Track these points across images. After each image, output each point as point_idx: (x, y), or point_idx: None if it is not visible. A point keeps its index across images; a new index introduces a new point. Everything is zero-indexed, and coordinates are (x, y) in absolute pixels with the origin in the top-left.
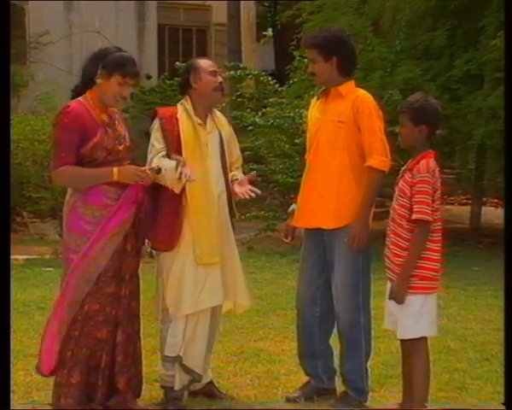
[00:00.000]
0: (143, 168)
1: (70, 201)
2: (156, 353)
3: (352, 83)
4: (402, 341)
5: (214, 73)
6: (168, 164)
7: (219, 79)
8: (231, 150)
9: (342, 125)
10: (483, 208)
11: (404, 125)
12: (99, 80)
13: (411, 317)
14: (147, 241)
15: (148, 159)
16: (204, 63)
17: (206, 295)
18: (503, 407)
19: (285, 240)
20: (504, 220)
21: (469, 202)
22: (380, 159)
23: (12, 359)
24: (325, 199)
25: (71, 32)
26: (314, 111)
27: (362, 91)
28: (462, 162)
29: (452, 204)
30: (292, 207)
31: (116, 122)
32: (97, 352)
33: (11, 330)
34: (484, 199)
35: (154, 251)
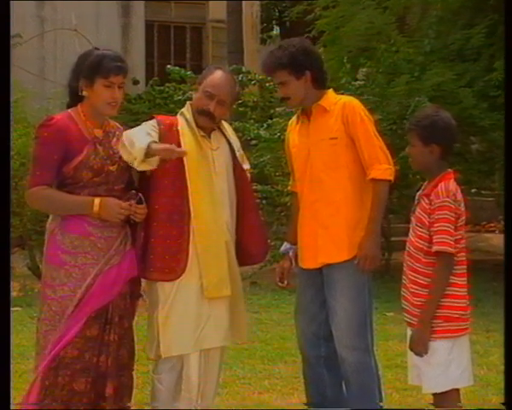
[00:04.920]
0: (127, 204)
1: (50, 227)
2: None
3: (330, 92)
4: (433, 394)
5: (210, 97)
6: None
7: (212, 105)
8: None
9: (335, 141)
10: None
11: (414, 145)
12: (84, 92)
13: (438, 366)
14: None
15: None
16: (210, 79)
17: (210, 332)
18: (503, 407)
19: (280, 284)
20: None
21: None
22: (382, 168)
23: None
24: (331, 229)
25: (43, 30)
26: (295, 135)
27: (346, 98)
28: (503, 182)
29: (492, 232)
30: (284, 246)
31: (114, 139)
32: (73, 407)
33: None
34: None
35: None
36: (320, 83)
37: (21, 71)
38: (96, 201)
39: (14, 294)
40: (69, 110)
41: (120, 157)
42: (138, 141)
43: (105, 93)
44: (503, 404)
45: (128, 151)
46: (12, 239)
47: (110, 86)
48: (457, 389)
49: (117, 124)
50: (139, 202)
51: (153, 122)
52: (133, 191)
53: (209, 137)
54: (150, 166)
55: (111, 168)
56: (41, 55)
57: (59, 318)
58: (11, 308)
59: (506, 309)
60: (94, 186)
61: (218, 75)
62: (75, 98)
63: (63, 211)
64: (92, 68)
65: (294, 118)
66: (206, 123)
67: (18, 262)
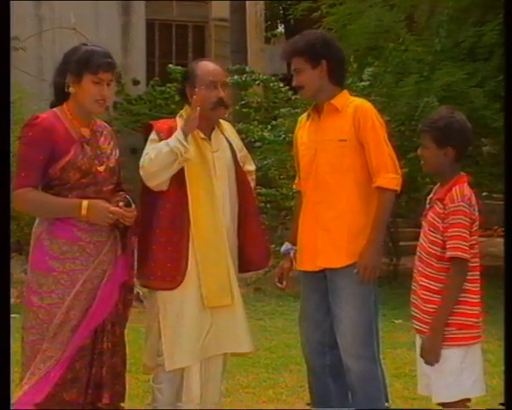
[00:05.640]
0: (116, 209)
1: (36, 231)
2: None
3: (345, 93)
4: (442, 404)
5: (213, 85)
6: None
7: (219, 92)
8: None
9: (344, 143)
10: None
11: (427, 147)
12: (71, 89)
13: (449, 375)
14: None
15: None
16: (202, 71)
17: (212, 341)
18: (502, 407)
19: (279, 285)
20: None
21: None
22: (389, 177)
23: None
24: (332, 233)
25: (41, 29)
26: (304, 132)
27: (359, 100)
28: None
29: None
30: (285, 246)
31: (101, 139)
32: None
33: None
34: None
35: (141, 292)
36: (336, 77)
37: (19, 71)
38: (84, 203)
39: (11, 300)
40: (55, 109)
41: (108, 157)
42: (165, 147)
43: (93, 90)
44: (502, 404)
45: (166, 162)
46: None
47: (99, 83)
48: (468, 399)
49: (104, 123)
50: (128, 204)
51: (152, 137)
52: (121, 193)
53: (209, 138)
54: (190, 155)
55: (99, 169)
56: (39, 55)
57: (47, 326)
58: (11, 315)
59: (506, 309)
60: (82, 188)
61: (205, 64)
62: (61, 96)
63: (50, 214)
64: (80, 64)
65: (305, 115)
66: (223, 112)
67: (15, 268)
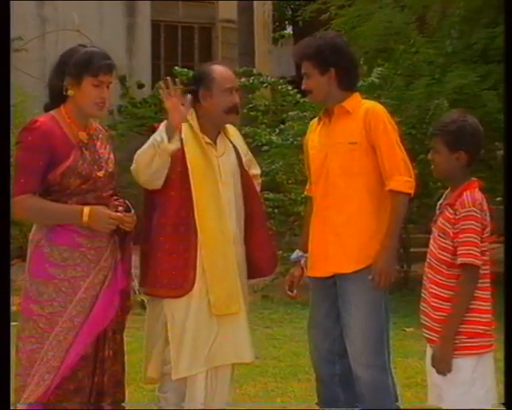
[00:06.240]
0: (118, 215)
1: (34, 238)
2: None
3: (357, 96)
4: None
5: (230, 91)
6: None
7: (235, 98)
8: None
9: (355, 146)
10: None
11: (438, 152)
12: (70, 92)
13: (461, 385)
14: (137, 286)
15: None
16: (220, 76)
17: (219, 350)
18: (502, 407)
19: (289, 294)
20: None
21: None
22: (402, 179)
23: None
24: (342, 238)
25: (44, 31)
26: (315, 136)
27: (371, 103)
28: None
29: None
30: (296, 253)
31: (98, 143)
32: None
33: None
34: None
35: (146, 300)
36: (346, 84)
37: (21, 74)
38: (86, 210)
39: (13, 308)
40: (51, 112)
41: (106, 162)
42: (149, 142)
43: (93, 92)
44: (503, 404)
45: (147, 156)
46: (11, 250)
47: (99, 85)
48: None
49: (99, 126)
50: (127, 209)
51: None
52: (121, 199)
53: (214, 143)
54: (176, 145)
55: (98, 174)
56: (42, 57)
57: (48, 335)
58: (11, 323)
59: (506, 309)
60: (82, 194)
61: (221, 68)
62: (57, 99)
63: (50, 221)
64: (80, 66)
65: (316, 119)
66: (235, 119)
67: (18, 275)
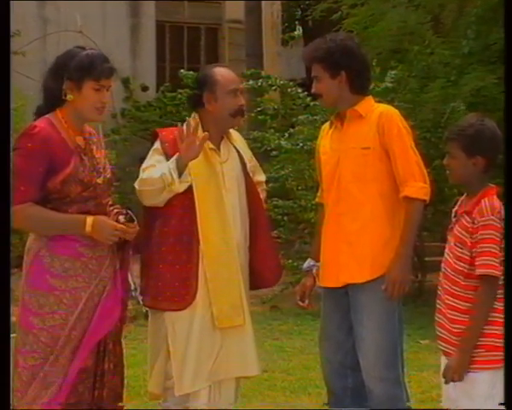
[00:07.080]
0: (122, 226)
1: (33, 248)
2: None
3: (370, 99)
4: None
5: (235, 93)
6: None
7: (240, 100)
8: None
9: (368, 151)
10: None
11: (455, 157)
12: (69, 96)
13: (479, 401)
14: (141, 297)
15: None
16: (223, 78)
17: (223, 363)
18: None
19: (300, 304)
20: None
21: None
22: (417, 186)
23: None
24: (355, 246)
25: (46, 32)
26: (327, 142)
27: (384, 107)
28: None
29: None
30: (308, 262)
31: (94, 147)
32: None
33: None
34: None
35: (149, 310)
36: (358, 87)
37: (21, 76)
38: (89, 220)
39: (13, 318)
40: (48, 116)
41: (104, 168)
42: (158, 172)
43: (94, 97)
44: (502, 404)
45: (154, 188)
46: (11, 259)
47: (99, 89)
48: None
49: (92, 130)
50: (130, 219)
51: (155, 147)
52: (123, 209)
53: (218, 149)
54: (187, 182)
55: (98, 181)
56: (43, 59)
57: (50, 349)
58: (11, 335)
59: (506, 310)
60: (82, 201)
61: (223, 70)
62: (52, 102)
63: (51, 231)
64: (81, 70)
65: (327, 123)
66: (240, 121)
67: (18, 284)
